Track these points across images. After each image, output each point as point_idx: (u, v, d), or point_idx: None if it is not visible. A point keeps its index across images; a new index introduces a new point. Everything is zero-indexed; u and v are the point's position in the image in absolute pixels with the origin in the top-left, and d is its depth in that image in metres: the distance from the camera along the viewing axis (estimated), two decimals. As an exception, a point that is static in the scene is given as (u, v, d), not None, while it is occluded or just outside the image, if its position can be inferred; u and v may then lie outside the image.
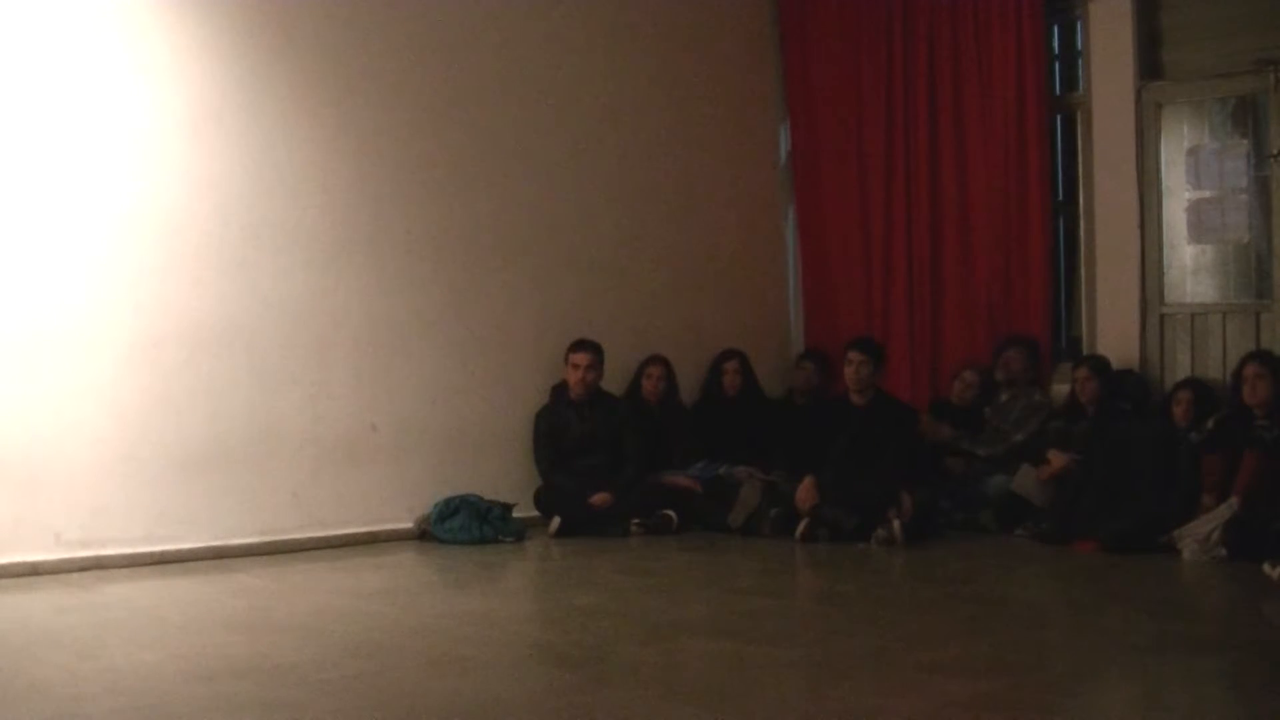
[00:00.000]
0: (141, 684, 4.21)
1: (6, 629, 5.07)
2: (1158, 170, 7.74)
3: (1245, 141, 7.54)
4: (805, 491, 7.16)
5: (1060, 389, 7.79)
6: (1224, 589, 5.95)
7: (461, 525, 7.11)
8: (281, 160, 6.89)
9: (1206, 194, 7.64)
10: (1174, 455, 6.78)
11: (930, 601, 5.76)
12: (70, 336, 6.26)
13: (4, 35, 6.12)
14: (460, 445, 7.51)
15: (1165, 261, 7.76)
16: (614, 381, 7.89)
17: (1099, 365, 7.52)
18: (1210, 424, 6.84)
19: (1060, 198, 8.27)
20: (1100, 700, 4.12)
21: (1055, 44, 8.27)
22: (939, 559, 6.68)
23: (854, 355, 7.36)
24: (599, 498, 7.42)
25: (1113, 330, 7.85)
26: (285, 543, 6.78)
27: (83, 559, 6.20)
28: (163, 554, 6.40)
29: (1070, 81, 8.25)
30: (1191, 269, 7.78)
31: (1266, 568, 5.69)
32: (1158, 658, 4.61)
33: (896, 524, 6.88)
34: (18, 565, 6.01)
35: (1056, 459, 7.15)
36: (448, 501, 7.22)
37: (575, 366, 7.61)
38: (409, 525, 7.24)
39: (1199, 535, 6.33)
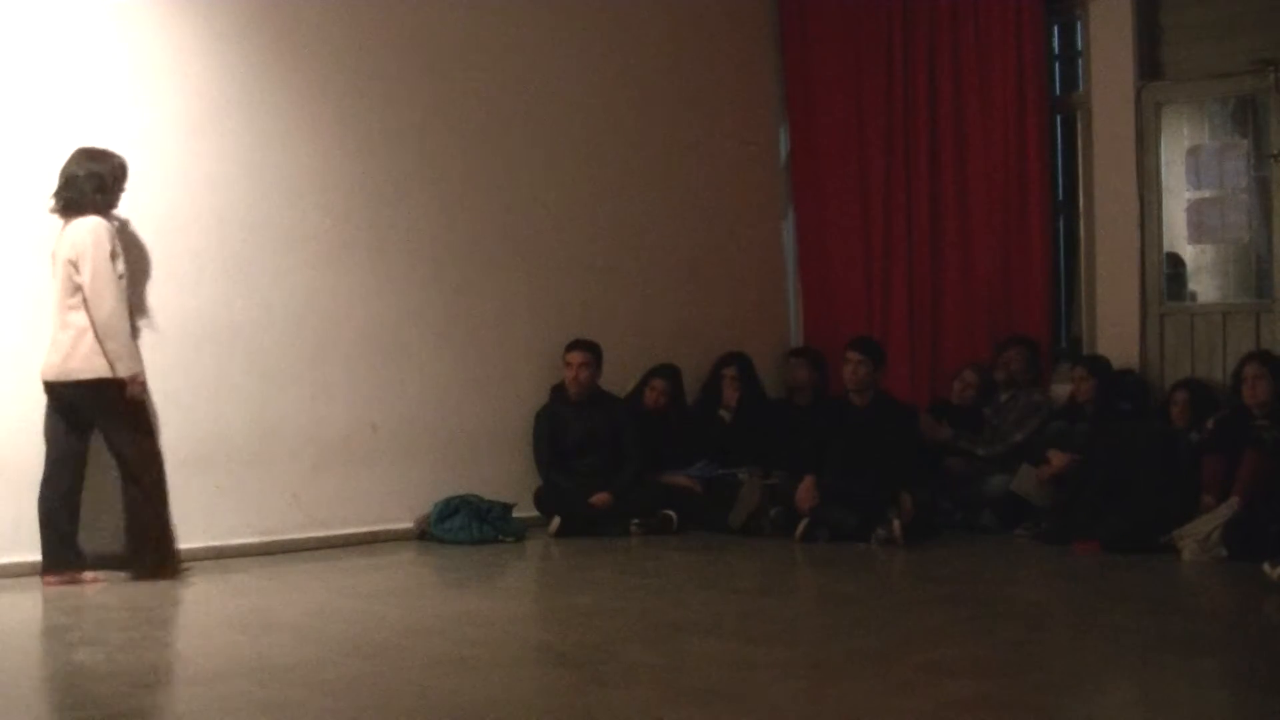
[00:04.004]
0: (141, 684, 4.21)
1: (6, 629, 5.07)
2: (1158, 170, 7.75)
3: (1245, 141, 7.55)
4: (805, 491, 7.16)
5: (1060, 389, 7.80)
6: (1224, 589, 5.95)
7: (461, 525, 7.11)
8: (281, 160, 6.89)
9: (1206, 194, 7.64)
10: (1174, 455, 6.78)
11: (930, 601, 5.75)
12: (70, 336, 6.25)
13: (4, 35, 6.12)
14: (460, 445, 7.52)
15: (1165, 261, 7.76)
16: (614, 382, 7.89)
17: (1097, 365, 7.53)
18: (1210, 424, 6.84)
19: (1060, 198, 8.27)
20: (1100, 700, 4.12)
21: (1055, 44, 8.27)
22: (939, 559, 6.68)
23: (852, 355, 7.36)
24: (599, 498, 7.43)
25: (1113, 330, 7.85)
26: (285, 543, 6.79)
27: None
28: (162, 554, 6.39)
29: (1070, 81, 8.25)
30: (1191, 269, 7.78)
31: (1266, 568, 5.68)
32: (1158, 658, 4.60)
33: (896, 524, 6.88)
34: (18, 565, 6.01)
35: (1056, 459, 7.14)
36: (448, 501, 7.22)
37: (569, 365, 7.62)
38: (409, 525, 7.24)
39: (1199, 535, 6.33)
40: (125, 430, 6.06)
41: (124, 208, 6.41)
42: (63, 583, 5.89)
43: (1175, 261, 7.78)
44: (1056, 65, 8.30)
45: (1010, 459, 7.48)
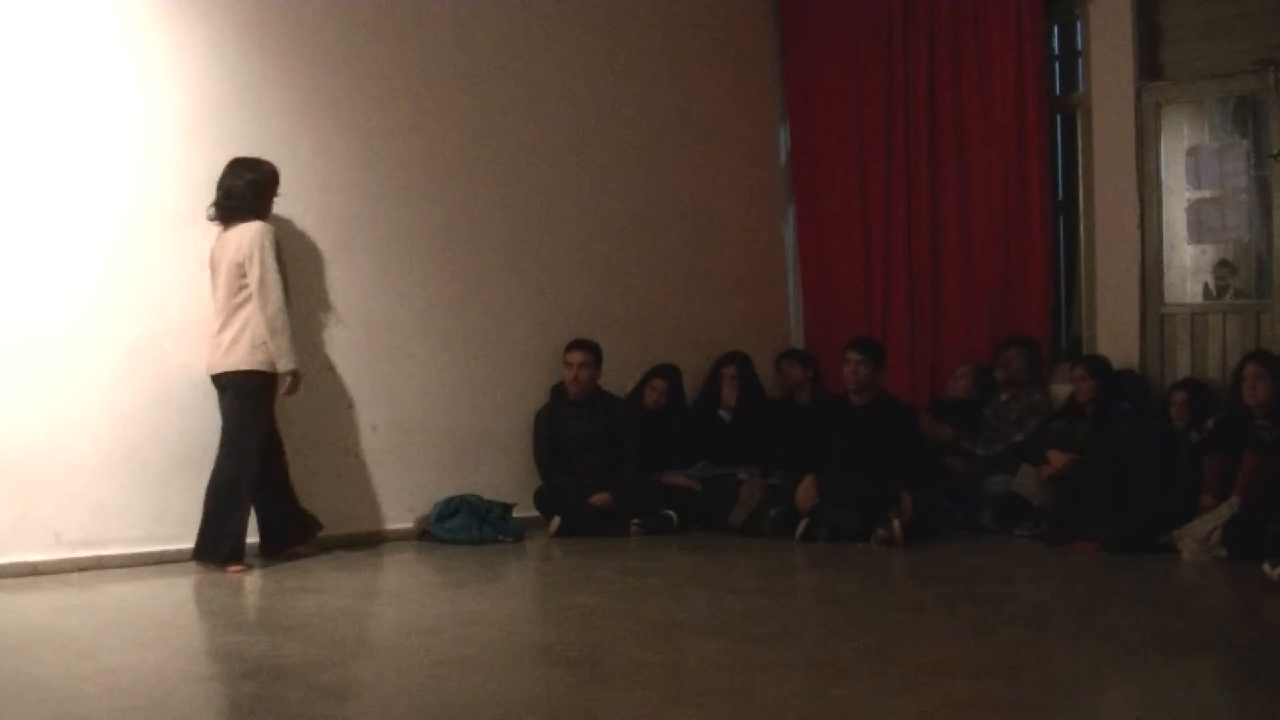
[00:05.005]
0: (141, 684, 4.21)
1: (6, 629, 5.07)
2: (1158, 170, 7.75)
3: (1245, 141, 7.55)
4: (805, 491, 7.16)
5: (1060, 389, 7.80)
6: (1224, 589, 5.95)
7: (461, 525, 7.11)
8: (281, 160, 6.86)
9: (1206, 194, 7.64)
10: (1174, 455, 6.78)
11: (930, 601, 5.75)
12: (70, 336, 6.26)
13: (3, 35, 6.12)
14: (460, 445, 7.52)
15: (1165, 261, 7.77)
16: (615, 381, 7.90)
17: (1095, 365, 7.53)
18: (1210, 424, 6.85)
19: (1060, 198, 8.27)
20: (1100, 700, 4.12)
21: (1055, 44, 8.28)
22: (939, 559, 6.68)
23: (852, 355, 7.36)
24: (599, 498, 7.43)
25: (1113, 330, 7.85)
26: (285, 543, 6.78)
27: (83, 559, 6.19)
28: (163, 554, 6.39)
29: (1070, 81, 8.26)
30: (1191, 269, 7.78)
31: (1266, 568, 5.68)
32: (1158, 658, 4.60)
33: (896, 524, 6.88)
34: (18, 565, 6.01)
35: (1056, 459, 7.14)
36: (448, 501, 7.22)
37: (569, 365, 7.63)
38: (409, 525, 7.24)
39: (1199, 535, 6.34)
40: (241, 420, 6.35)
41: (125, 208, 6.44)
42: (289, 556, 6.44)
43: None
44: (1056, 65, 8.30)
45: (1010, 459, 7.48)
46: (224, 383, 6.41)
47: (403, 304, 7.34)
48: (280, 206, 6.86)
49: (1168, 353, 7.72)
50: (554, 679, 4.43)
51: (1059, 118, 8.26)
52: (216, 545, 6.26)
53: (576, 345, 7.66)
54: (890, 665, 4.49)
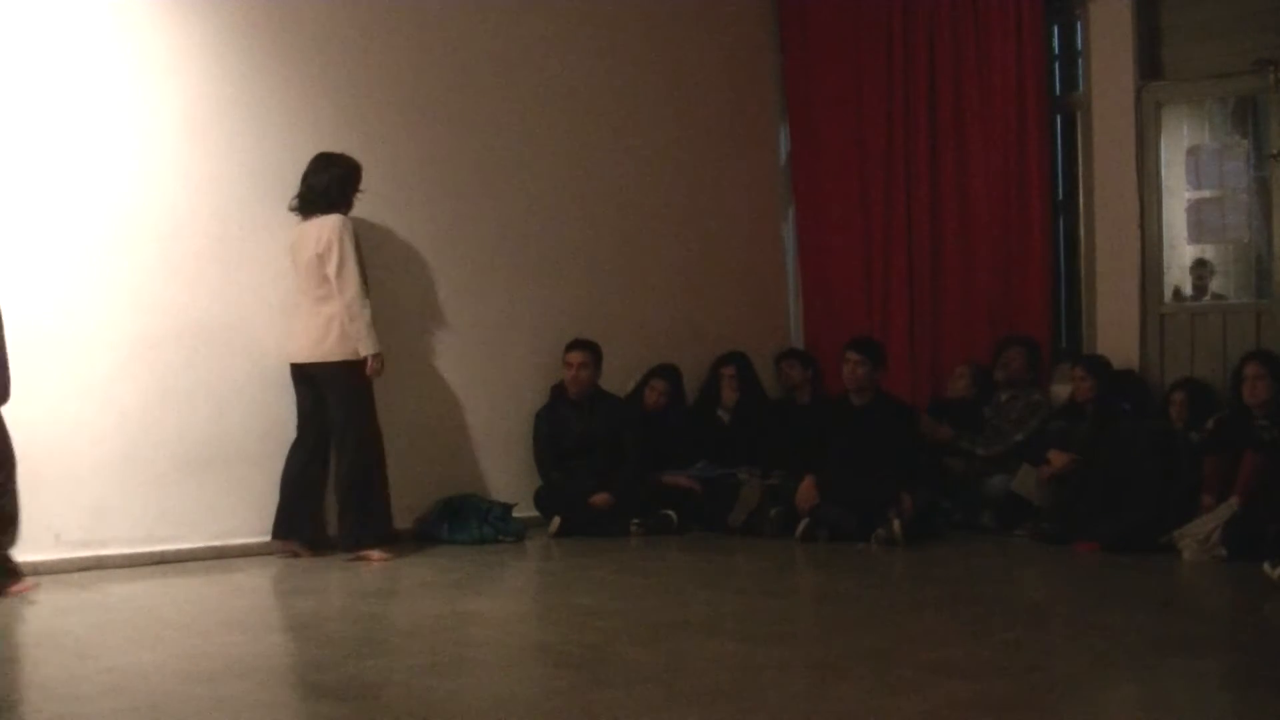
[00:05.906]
0: (141, 684, 4.21)
1: (6, 629, 5.07)
2: (1158, 170, 7.74)
3: (1245, 141, 7.54)
4: (805, 491, 7.16)
5: (1060, 389, 7.79)
6: (1224, 589, 5.95)
7: (461, 525, 7.11)
8: (281, 160, 6.88)
9: (1206, 194, 7.64)
10: (1174, 455, 6.78)
11: (930, 601, 5.76)
12: (70, 336, 6.26)
13: (3, 35, 6.12)
14: (460, 445, 7.52)
15: (1165, 261, 7.76)
16: (614, 382, 7.89)
17: (1095, 365, 7.52)
18: (1210, 424, 6.84)
19: (1060, 198, 8.27)
20: (1100, 700, 4.12)
21: (1055, 44, 8.27)
22: (939, 559, 6.68)
23: (851, 355, 7.36)
24: (599, 498, 7.43)
25: (1113, 330, 7.85)
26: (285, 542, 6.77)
27: (83, 559, 6.20)
28: (163, 554, 6.40)
29: (1070, 81, 8.25)
30: (1192, 269, 7.78)
31: (1266, 568, 5.68)
32: (1158, 658, 4.60)
33: (896, 524, 6.88)
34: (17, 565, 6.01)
35: (1057, 459, 7.14)
36: (448, 501, 7.23)
37: (569, 365, 7.63)
38: (409, 525, 7.24)
39: (1199, 535, 6.34)
40: (351, 411, 6.64)
41: (124, 207, 6.44)
42: (287, 552, 6.61)
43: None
44: (1056, 65, 8.29)
45: (1010, 459, 7.48)
46: (311, 373, 6.65)
47: (403, 304, 7.34)
48: (282, 206, 6.87)
49: (1168, 353, 7.71)
50: (554, 679, 4.43)
51: (1059, 118, 8.25)
52: (361, 531, 6.55)
53: (576, 345, 7.67)
54: (890, 665, 4.49)
